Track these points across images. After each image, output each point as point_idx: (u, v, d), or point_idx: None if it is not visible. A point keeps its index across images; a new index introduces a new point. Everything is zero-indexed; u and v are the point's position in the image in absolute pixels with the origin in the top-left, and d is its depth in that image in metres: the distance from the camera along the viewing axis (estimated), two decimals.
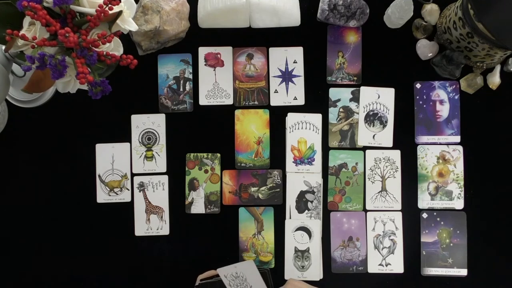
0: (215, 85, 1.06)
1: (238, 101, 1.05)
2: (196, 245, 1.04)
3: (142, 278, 1.04)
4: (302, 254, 1.03)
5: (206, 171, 1.05)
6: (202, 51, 1.06)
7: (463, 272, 1.03)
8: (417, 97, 1.05)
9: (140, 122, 1.05)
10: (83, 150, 1.05)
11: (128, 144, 1.05)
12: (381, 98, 1.05)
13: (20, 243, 1.05)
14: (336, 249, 1.04)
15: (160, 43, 1.02)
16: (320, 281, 1.03)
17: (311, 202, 1.04)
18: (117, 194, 1.05)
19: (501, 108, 1.05)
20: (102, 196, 1.05)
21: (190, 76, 1.06)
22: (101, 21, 0.72)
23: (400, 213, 1.04)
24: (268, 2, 0.97)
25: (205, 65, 1.06)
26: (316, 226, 1.04)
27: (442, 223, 1.04)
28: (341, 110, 1.05)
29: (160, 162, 1.05)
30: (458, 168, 1.04)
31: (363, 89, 1.05)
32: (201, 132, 1.05)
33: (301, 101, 1.05)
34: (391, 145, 1.05)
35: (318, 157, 1.05)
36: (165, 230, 1.05)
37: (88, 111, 1.05)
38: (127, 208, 1.05)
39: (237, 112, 1.05)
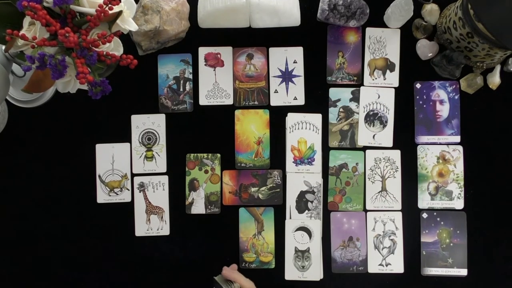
0: (215, 85, 1.06)
1: (238, 101, 1.05)
2: (196, 245, 1.04)
3: (142, 278, 1.04)
4: (302, 254, 1.03)
5: (206, 172, 1.05)
6: (202, 51, 1.06)
7: (463, 272, 1.03)
8: (417, 97, 1.05)
9: (140, 122, 1.05)
10: (83, 150, 1.05)
11: (128, 144, 1.05)
12: (381, 98, 1.05)
13: (20, 243, 1.05)
14: (336, 249, 1.04)
15: (160, 43, 1.02)
16: (321, 281, 1.04)
17: (311, 202, 1.04)
18: (117, 194, 1.05)
19: (501, 108, 1.05)
20: (102, 196, 1.05)
21: (190, 76, 1.06)
22: (101, 21, 0.72)
23: (400, 213, 1.04)
24: (268, 2, 0.97)
25: (205, 65, 1.06)
26: (316, 226, 1.04)
27: (442, 223, 1.04)
28: (341, 110, 1.05)
29: (160, 162, 1.05)
30: (458, 168, 1.04)
31: (363, 89, 1.05)
32: (201, 132, 1.05)
33: (301, 101, 1.05)
34: (391, 145, 1.05)
35: (318, 157, 1.05)
36: (165, 230, 1.05)
37: (88, 111, 1.04)
38: (127, 209, 1.05)
39: (237, 112, 1.05)
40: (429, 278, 1.03)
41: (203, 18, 1.00)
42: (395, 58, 1.05)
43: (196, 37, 1.05)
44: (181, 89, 1.05)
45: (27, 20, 0.73)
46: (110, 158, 1.05)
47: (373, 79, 1.05)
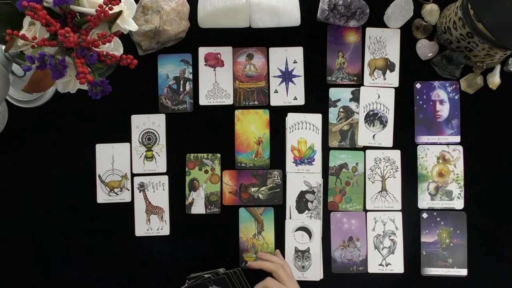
0: (215, 85, 1.06)
1: (238, 101, 1.05)
2: (196, 245, 1.04)
3: (142, 278, 1.04)
4: (302, 254, 1.03)
5: (206, 172, 1.05)
6: (202, 51, 1.06)
7: (463, 272, 1.03)
8: (417, 97, 1.05)
9: (140, 122, 1.05)
10: (83, 150, 1.05)
11: (128, 144, 1.05)
12: (381, 98, 1.05)
13: (20, 243, 1.05)
14: (336, 249, 1.04)
15: (160, 43, 1.02)
16: (321, 281, 1.04)
17: (311, 202, 1.04)
18: (117, 194, 1.05)
19: (501, 108, 1.05)
20: (102, 196, 1.05)
21: (190, 76, 1.06)
22: (101, 21, 0.72)
23: (400, 213, 1.04)
24: (268, 2, 0.97)
25: (205, 65, 1.06)
26: (316, 226, 1.04)
27: (442, 223, 1.04)
28: (341, 110, 1.05)
29: (160, 163, 1.05)
30: (458, 168, 1.04)
31: (363, 89, 1.05)
32: (201, 132, 1.05)
33: (301, 101, 1.05)
34: (391, 145, 1.05)
35: (318, 157, 1.05)
36: (165, 230, 1.05)
37: (88, 111, 1.04)
38: (127, 209, 1.05)
39: (237, 112, 1.05)
40: (429, 278, 1.03)
41: (203, 18, 1.00)
42: (395, 58, 1.05)
43: (196, 37, 1.05)
44: (181, 89, 1.05)
45: (27, 20, 0.73)
46: (110, 158, 1.05)
47: (373, 79, 1.05)
